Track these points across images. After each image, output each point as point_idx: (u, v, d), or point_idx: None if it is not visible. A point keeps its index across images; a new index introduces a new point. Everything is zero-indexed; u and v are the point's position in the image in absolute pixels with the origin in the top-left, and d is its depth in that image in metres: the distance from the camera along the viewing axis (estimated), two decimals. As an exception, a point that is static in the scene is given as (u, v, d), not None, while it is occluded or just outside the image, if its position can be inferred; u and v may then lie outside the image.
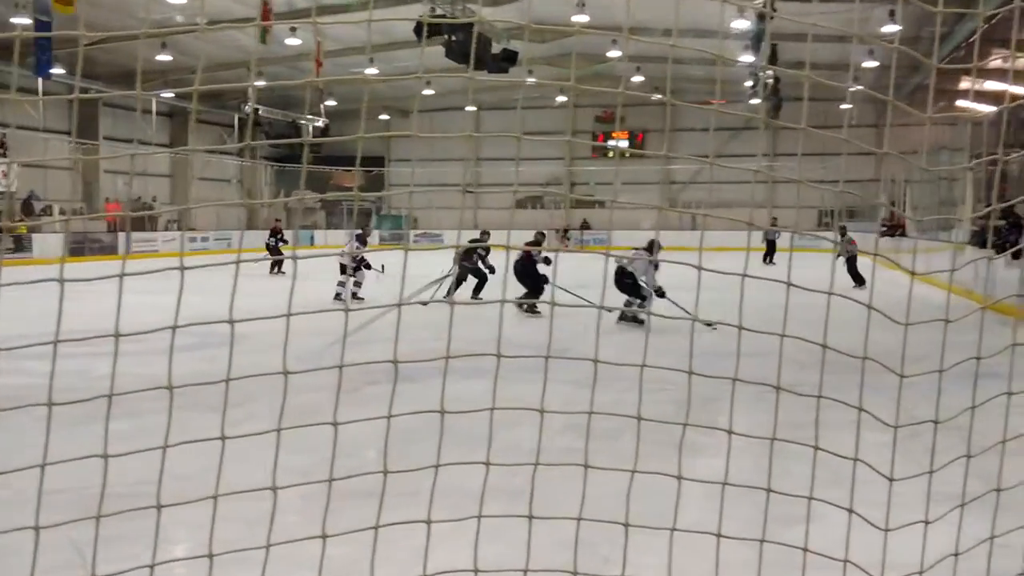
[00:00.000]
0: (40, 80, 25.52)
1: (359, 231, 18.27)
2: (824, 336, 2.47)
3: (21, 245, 25.85)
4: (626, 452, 2.46)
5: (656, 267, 12.10)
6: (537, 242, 14.59)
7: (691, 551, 2.70)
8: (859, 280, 18.38)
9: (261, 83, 19.42)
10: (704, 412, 5.03)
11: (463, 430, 3.44)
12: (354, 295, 16.90)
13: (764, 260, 26.11)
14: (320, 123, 35.00)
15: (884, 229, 25.24)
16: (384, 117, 43.42)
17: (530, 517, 2.45)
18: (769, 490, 2.45)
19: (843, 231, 20.28)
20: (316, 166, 41.26)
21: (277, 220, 26.92)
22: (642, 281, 12.70)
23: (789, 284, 2.34)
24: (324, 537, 2.31)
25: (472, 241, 16.87)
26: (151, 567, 2.23)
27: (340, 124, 38.64)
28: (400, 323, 2.30)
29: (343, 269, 16.84)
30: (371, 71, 29.72)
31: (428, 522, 2.41)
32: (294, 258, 2.29)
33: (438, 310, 4.48)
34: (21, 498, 2.47)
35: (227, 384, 2.21)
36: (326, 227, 43.20)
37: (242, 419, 4.10)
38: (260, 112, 35.41)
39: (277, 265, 22.07)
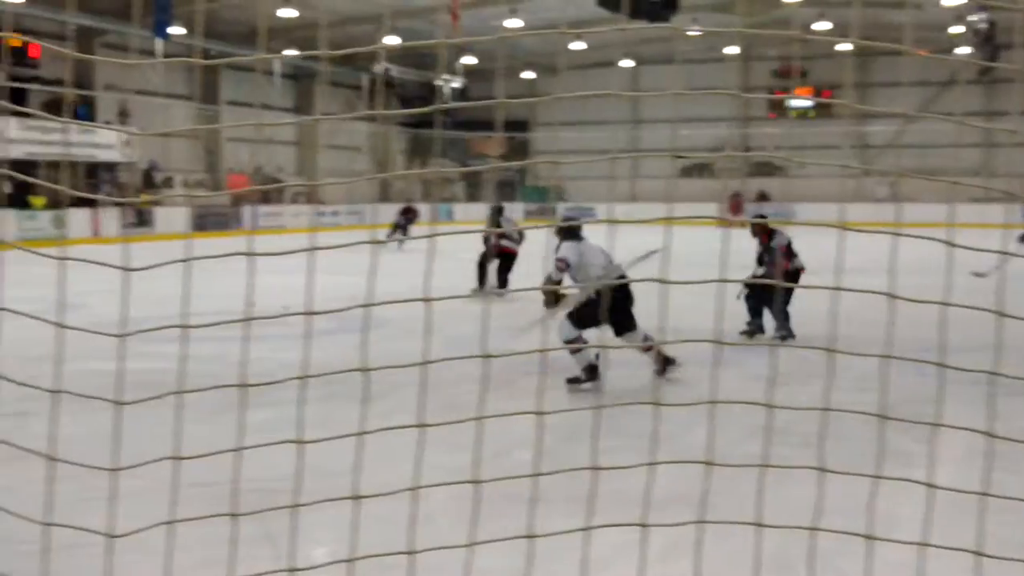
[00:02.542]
0: (159, 41, 26.75)
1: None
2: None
3: (143, 219, 27.35)
4: (823, 459, 2.38)
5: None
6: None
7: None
8: None
9: (395, 42, 19.76)
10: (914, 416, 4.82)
11: (624, 428, 3.43)
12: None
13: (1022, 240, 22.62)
14: (457, 83, 35.31)
15: None
16: (529, 75, 43.56)
17: (753, 524, 2.42)
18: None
19: None
20: (454, 131, 41.78)
21: (410, 201, 27.11)
22: None
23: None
24: (471, 544, 2.34)
25: None
26: (291, 572, 2.30)
27: (480, 83, 38.95)
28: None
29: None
30: (514, 23, 29.81)
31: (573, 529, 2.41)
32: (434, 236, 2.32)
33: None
34: (155, 489, 2.58)
35: (367, 375, 2.26)
36: (466, 200, 43.69)
37: (388, 411, 4.22)
38: (392, 72, 36.04)
39: (400, 242, 22.75)
